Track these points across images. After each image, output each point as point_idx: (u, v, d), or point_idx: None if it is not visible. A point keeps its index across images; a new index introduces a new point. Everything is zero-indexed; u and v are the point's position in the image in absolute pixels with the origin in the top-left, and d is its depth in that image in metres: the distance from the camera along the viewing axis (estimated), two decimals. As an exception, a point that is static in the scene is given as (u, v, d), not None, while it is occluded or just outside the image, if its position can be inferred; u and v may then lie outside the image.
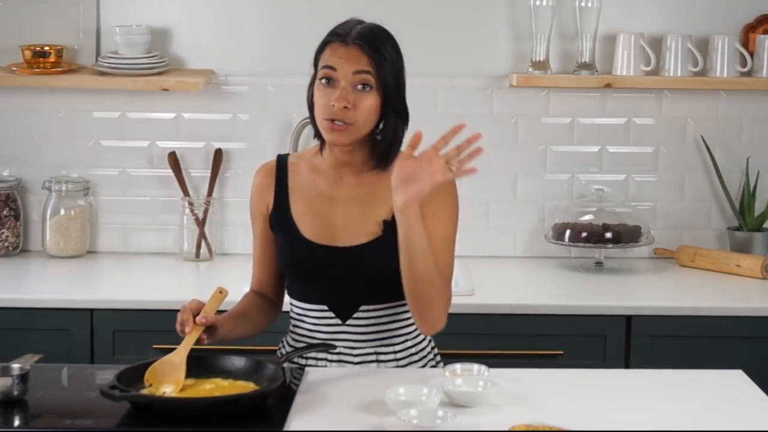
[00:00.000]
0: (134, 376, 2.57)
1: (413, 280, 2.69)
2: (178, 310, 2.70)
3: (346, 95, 2.72)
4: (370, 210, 2.83)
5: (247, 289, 3.71)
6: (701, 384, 2.81)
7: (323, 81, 2.74)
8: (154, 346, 3.56)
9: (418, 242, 2.65)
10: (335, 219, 2.84)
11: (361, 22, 2.80)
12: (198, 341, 2.67)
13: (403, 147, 2.74)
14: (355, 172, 2.85)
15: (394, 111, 2.78)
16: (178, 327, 2.69)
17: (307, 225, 2.84)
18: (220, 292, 2.75)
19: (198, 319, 2.67)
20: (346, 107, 2.71)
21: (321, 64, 2.76)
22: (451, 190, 2.81)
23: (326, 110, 2.73)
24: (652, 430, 2.47)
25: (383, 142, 2.81)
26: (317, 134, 2.83)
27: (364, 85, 2.73)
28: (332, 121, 2.73)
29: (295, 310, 2.91)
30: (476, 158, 2.61)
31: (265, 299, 2.96)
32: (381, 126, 2.80)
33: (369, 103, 2.73)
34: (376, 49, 2.73)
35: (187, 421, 2.42)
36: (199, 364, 2.64)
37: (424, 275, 2.68)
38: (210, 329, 2.70)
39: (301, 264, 2.85)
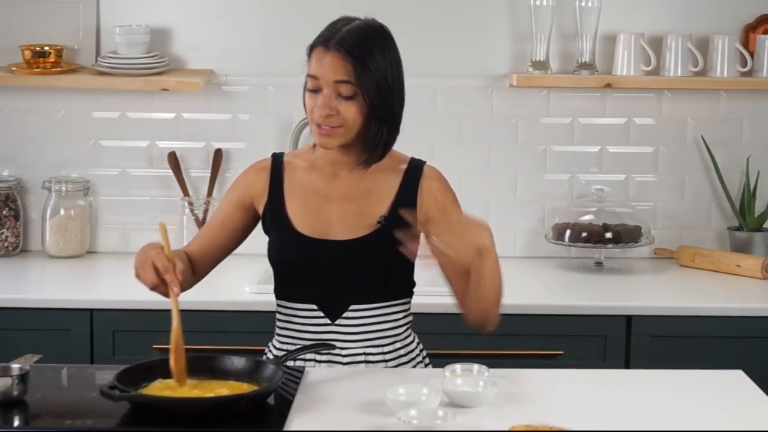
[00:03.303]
0: (134, 376, 2.57)
1: (485, 302, 2.78)
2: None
3: (329, 102, 2.72)
4: (367, 207, 2.83)
5: (248, 289, 3.73)
6: (701, 384, 2.80)
7: (309, 88, 2.76)
8: (154, 346, 3.56)
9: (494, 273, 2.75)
10: (330, 215, 2.84)
11: (350, 22, 2.76)
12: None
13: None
14: (350, 169, 2.85)
15: (378, 118, 2.76)
16: (151, 273, 2.67)
17: (302, 220, 2.83)
18: (163, 226, 2.69)
19: (178, 275, 2.63)
20: (329, 114, 2.72)
21: (307, 69, 2.76)
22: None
23: (312, 115, 2.75)
24: (652, 430, 2.47)
25: (369, 146, 2.80)
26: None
27: (346, 94, 2.72)
28: (319, 126, 2.74)
29: (283, 311, 2.89)
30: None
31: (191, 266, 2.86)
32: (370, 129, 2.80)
33: (353, 110, 2.73)
34: (358, 56, 2.70)
35: (187, 421, 2.42)
36: (199, 365, 2.64)
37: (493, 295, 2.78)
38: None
39: (292, 258, 2.84)
